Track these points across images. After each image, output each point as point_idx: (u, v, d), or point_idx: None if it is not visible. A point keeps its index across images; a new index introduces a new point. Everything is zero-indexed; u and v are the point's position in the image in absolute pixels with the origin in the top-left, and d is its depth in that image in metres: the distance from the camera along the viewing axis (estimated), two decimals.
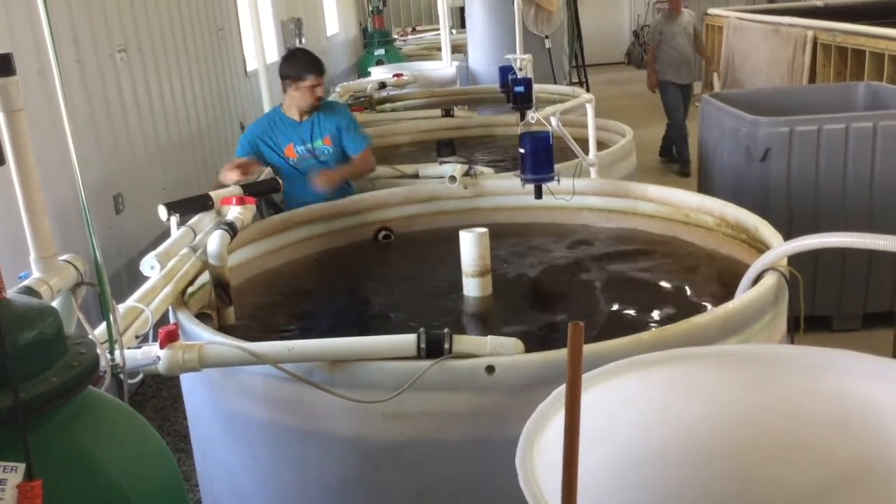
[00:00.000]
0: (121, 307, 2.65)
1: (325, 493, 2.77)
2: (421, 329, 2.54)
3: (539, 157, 3.76)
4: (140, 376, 2.67)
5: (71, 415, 1.81)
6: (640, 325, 3.12)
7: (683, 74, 9.57)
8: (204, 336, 2.80)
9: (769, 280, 2.89)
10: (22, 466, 1.63)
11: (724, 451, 2.17)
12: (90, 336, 2.17)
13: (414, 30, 16.88)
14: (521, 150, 3.71)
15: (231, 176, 4.07)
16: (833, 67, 8.18)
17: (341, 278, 4.06)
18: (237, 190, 3.84)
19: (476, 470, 2.57)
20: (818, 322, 4.95)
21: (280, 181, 4.39)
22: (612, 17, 19.65)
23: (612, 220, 4.28)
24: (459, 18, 14.34)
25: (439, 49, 11.07)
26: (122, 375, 2.40)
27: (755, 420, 2.16)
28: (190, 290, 3.29)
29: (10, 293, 1.94)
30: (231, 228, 3.44)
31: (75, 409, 1.83)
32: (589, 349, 2.31)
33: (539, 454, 1.77)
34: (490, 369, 2.48)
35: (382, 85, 8.24)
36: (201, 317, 3.15)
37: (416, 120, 7.23)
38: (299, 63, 4.46)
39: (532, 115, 4.02)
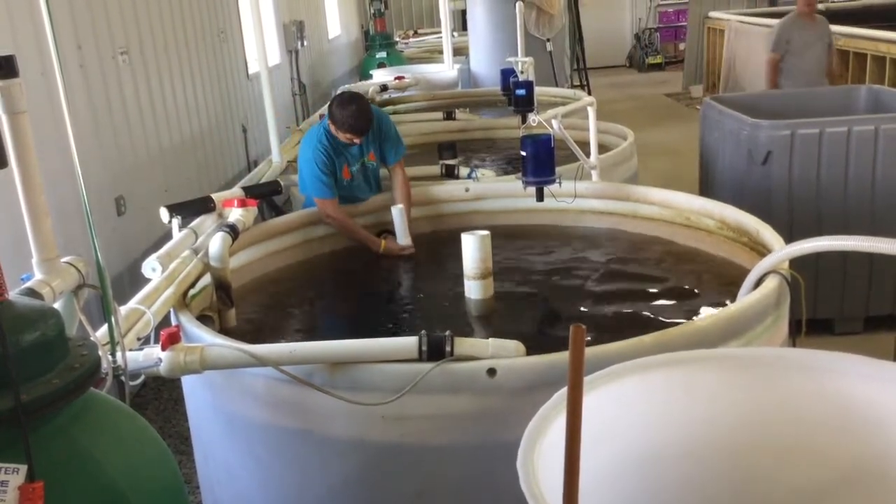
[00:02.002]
0: (122, 309, 2.65)
1: (326, 494, 2.77)
2: (422, 331, 2.55)
3: (540, 160, 3.77)
4: (141, 378, 2.68)
5: (72, 417, 1.82)
6: (641, 327, 3.12)
7: None
8: (205, 338, 2.80)
9: (771, 283, 2.89)
10: (23, 468, 1.63)
11: (724, 453, 2.17)
12: (92, 338, 2.17)
13: (415, 32, 16.87)
14: (523, 153, 3.72)
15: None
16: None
17: (343, 281, 4.06)
18: (239, 192, 3.84)
19: (477, 472, 2.57)
20: (820, 325, 4.94)
21: (281, 183, 4.40)
22: (614, 20, 19.64)
23: (613, 223, 4.28)
24: (461, 21, 14.35)
25: (441, 52, 11.07)
26: (123, 377, 2.40)
27: (756, 422, 2.16)
28: (191, 292, 3.29)
29: (13, 295, 1.95)
30: (233, 230, 3.45)
31: (76, 411, 1.83)
32: (590, 352, 2.31)
33: (540, 456, 1.77)
34: (491, 372, 2.48)
35: (384, 87, 8.24)
36: (203, 319, 3.15)
37: (417, 122, 7.24)
38: (345, 119, 4.17)
39: (533, 118, 4.03)
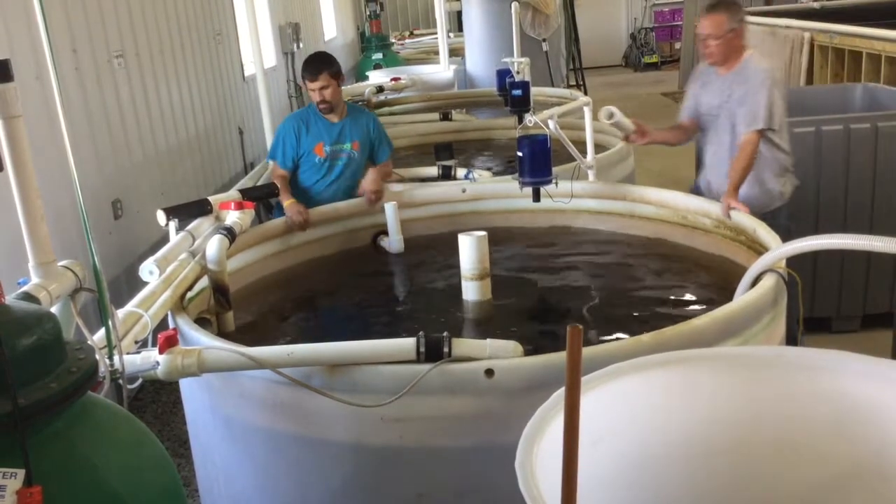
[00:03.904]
0: (120, 312, 2.65)
1: (326, 497, 2.77)
2: (420, 333, 2.54)
3: (537, 160, 3.77)
4: (139, 381, 2.67)
5: (70, 420, 1.81)
6: (639, 327, 3.12)
7: None
8: (203, 341, 2.80)
9: (768, 282, 2.89)
10: (21, 472, 1.63)
11: (723, 452, 2.17)
12: (89, 342, 2.17)
13: (411, 34, 16.88)
14: (519, 154, 3.72)
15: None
16: (830, 69, 8.19)
17: (340, 282, 4.06)
18: (236, 195, 3.84)
19: (476, 473, 2.57)
20: (817, 323, 4.95)
21: (278, 185, 4.39)
22: (610, 20, 19.67)
23: (610, 223, 4.28)
24: (457, 22, 14.35)
25: (437, 53, 11.08)
26: (121, 381, 2.40)
27: (754, 421, 2.16)
28: (189, 294, 3.29)
29: (9, 299, 1.95)
30: (230, 233, 3.44)
31: (74, 415, 1.83)
32: (588, 352, 2.32)
33: (539, 457, 1.77)
34: (489, 372, 2.48)
35: (380, 89, 8.24)
36: (200, 321, 3.15)
37: (414, 123, 7.24)
38: (304, 66, 4.64)
39: (530, 118, 4.03)
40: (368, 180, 4.49)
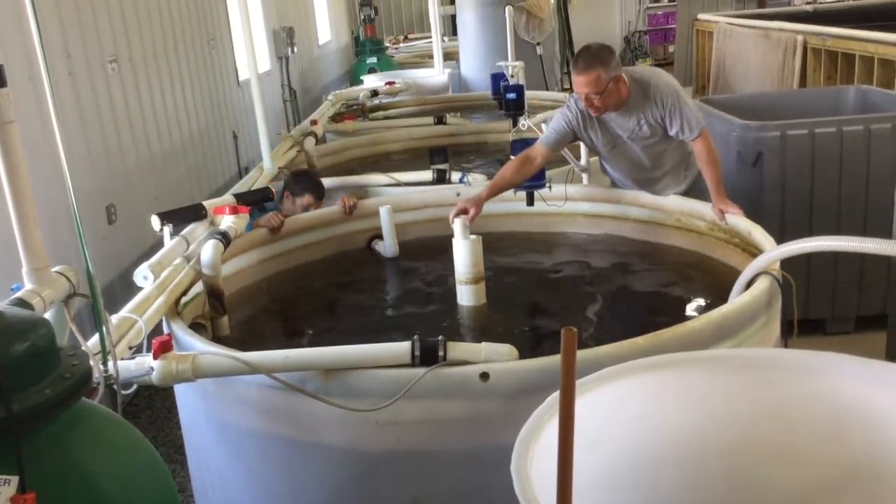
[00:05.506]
0: (114, 318, 2.65)
1: (321, 501, 2.77)
2: (415, 336, 2.54)
3: None
4: (134, 387, 2.67)
5: (64, 427, 1.81)
6: (633, 329, 3.12)
7: None
8: (198, 346, 2.79)
9: (762, 284, 2.90)
10: (15, 479, 1.62)
11: (718, 454, 2.17)
12: (83, 347, 2.16)
13: (406, 38, 16.89)
14: (513, 157, 3.72)
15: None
16: (823, 71, 8.22)
17: (334, 287, 4.05)
18: (230, 199, 3.84)
19: (471, 477, 2.56)
20: (811, 325, 4.95)
21: (273, 190, 4.39)
22: (603, 24, 19.63)
23: (604, 226, 4.28)
24: (451, 26, 14.35)
25: (431, 57, 11.08)
26: (115, 386, 2.39)
27: (749, 423, 2.16)
28: (184, 300, 3.28)
29: (3, 305, 1.95)
30: (224, 238, 3.44)
31: (69, 421, 1.82)
32: (583, 355, 2.31)
33: (534, 460, 1.77)
34: (484, 376, 2.48)
35: (375, 93, 8.24)
36: (195, 327, 3.14)
37: (408, 127, 7.25)
38: (301, 183, 4.63)
39: (524, 122, 4.03)
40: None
